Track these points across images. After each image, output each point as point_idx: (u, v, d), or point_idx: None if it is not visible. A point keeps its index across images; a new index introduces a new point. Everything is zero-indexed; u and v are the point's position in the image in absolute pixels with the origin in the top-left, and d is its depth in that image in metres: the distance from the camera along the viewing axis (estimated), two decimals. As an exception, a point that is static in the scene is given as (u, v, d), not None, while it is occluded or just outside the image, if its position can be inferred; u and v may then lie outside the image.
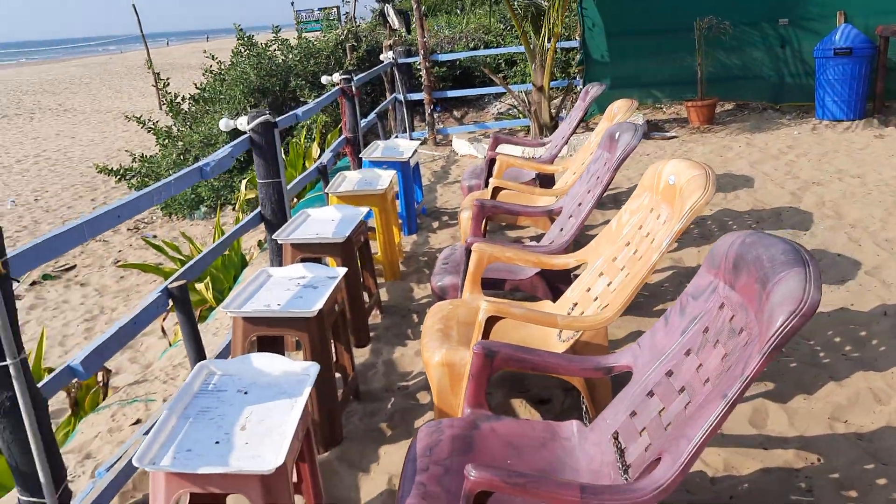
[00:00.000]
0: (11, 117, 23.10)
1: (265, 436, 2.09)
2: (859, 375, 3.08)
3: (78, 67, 46.14)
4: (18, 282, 1.91)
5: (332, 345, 3.33)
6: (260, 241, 6.89)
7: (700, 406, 1.89)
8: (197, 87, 10.44)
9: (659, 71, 9.18)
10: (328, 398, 2.95)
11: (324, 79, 7.26)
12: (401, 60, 9.55)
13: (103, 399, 3.91)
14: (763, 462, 2.62)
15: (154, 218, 10.18)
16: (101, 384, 3.97)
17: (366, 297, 4.22)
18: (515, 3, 8.45)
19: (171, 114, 10.21)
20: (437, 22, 13.86)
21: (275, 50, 10.39)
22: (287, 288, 3.09)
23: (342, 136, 6.80)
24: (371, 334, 4.05)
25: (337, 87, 6.57)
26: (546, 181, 5.44)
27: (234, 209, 9.01)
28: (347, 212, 4.11)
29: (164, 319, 5.43)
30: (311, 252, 3.76)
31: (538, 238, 5.35)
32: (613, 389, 2.76)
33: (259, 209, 4.28)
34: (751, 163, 6.75)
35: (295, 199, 7.14)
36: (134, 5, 21.04)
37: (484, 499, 1.89)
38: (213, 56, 10.66)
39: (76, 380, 3.44)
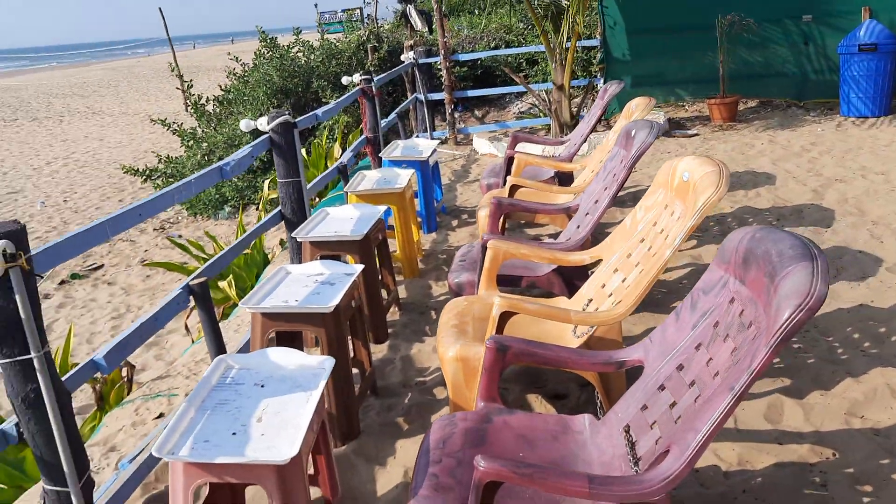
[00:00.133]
0: (42, 120, 23.51)
1: (281, 428, 2.14)
2: (877, 372, 3.07)
3: (106, 71, 46.83)
4: (42, 277, 1.97)
5: (350, 341, 3.38)
6: (282, 239, 6.97)
7: (708, 399, 1.90)
8: (221, 89, 10.57)
9: (681, 69, 9.14)
10: (345, 392, 2.99)
11: (344, 79, 7.32)
12: (421, 61, 9.59)
13: (128, 394, 4.00)
14: (777, 457, 2.62)
15: (180, 218, 10.32)
16: (125, 380, 4.05)
17: (384, 294, 4.27)
18: (536, 3, 8.46)
19: (195, 115, 10.35)
20: (458, 22, 13.90)
21: (297, 51, 10.48)
22: (305, 284, 3.14)
23: (363, 136, 6.86)
24: (389, 331, 4.09)
25: (357, 88, 6.63)
26: (565, 179, 5.46)
27: (257, 209, 9.11)
28: (366, 210, 4.16)
29: (187, 317, 5.52)
30: (330, 249, 3.81)
31: (557, 236, 5.37)
32: (628, 384, 2.78)
33: (279, 208, 4.34)
34: (773, 160, 6.70)
35: (316, 199, 7.22)
36: (160, 9, 21.32)
37: (493, 489, 1.93)
38: (236, 58, 10.78)
39: (101, 374, 3.52)
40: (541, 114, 9.67)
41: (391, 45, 11.17)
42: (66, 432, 2.18)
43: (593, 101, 9.27)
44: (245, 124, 4.33)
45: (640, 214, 3.19)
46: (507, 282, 3.68)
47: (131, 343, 2.71)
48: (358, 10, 20.20)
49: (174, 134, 10.02)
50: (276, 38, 10.42)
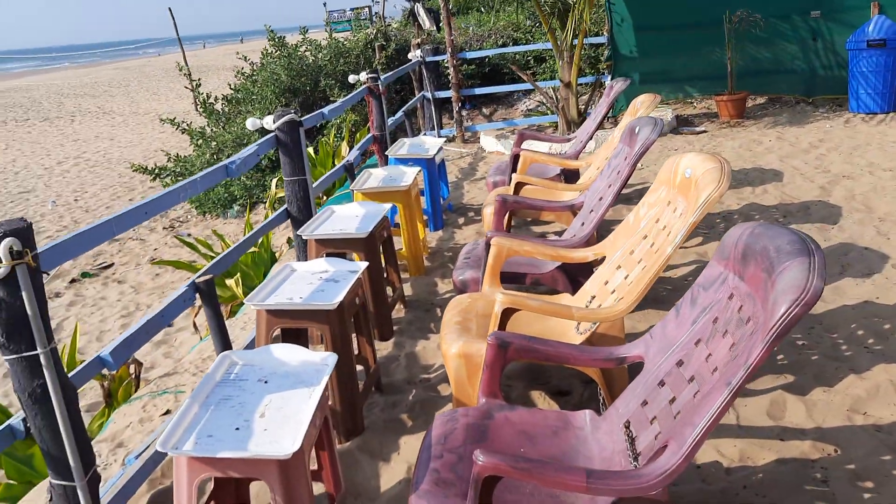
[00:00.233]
0: (53, 120, 23.67)
1: (283, 423, 2.16)
2: (880, 368, 3.06)
3: (117, 70, 47.08)
4: (48, 275, 2.00)
5: (355, 338, 3.40)
6: (289, 238, 7.01)
7: (706, 394, 1.91)
8: (230, 88, 10.63)
9: (689, 65, 9.11)
10: (349, 389, 3.02)
11: (351, 78, 7.34)
12: (428, 59, 9.61)
13: (135, 391, 4.04)
14: (779, 453, 2.62)
15: (189, 217, 10.38)
16: (133, 377, 4.09)
17: (389, 291, 4.29)
18: (543, 0, 8.46)
19: (204, 114, 10.41)
20: (466, 20, 13.90)
21: (304, 50, 10.52)
22: (309, 282, 3.17)
23: (370, 135, 6.88)
24: (394, 328, 4.11)
25: (364, 86, 6.65)
26: (571, 176, 5.46)
27: (265, 207, 9.16)
28: (371, 208, 4.18)
29: (195, 315, 5.56)
30: (335, 247, 3.84)
31: (562, 233, 5.37)
32: (630, 381, 2.79)
33: (285, 206, 4.37)
34: (780, 157, 6.68)
35: (324, 197, 7.25)
36: (170, 9, 21.41)
37: (492, 484, 1.94)
38: (245, 57, 10.83)
39: (109, 371, 3.56)
40: (548, 111, 9.67)
41: (399, 44, 11.19)
42: (72, 427, 2.21)
43: (601, 98, 9.26)
44: (251, 123, 4.36)
45: (643, 211, 3.20)
46: (511, 279, 3.69)
47: (137, 340, 2.74)
48: (366, 9, 20.25)
49: (183, 133, 10.08)
50: (283, 37, 10.45)
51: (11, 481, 3.35)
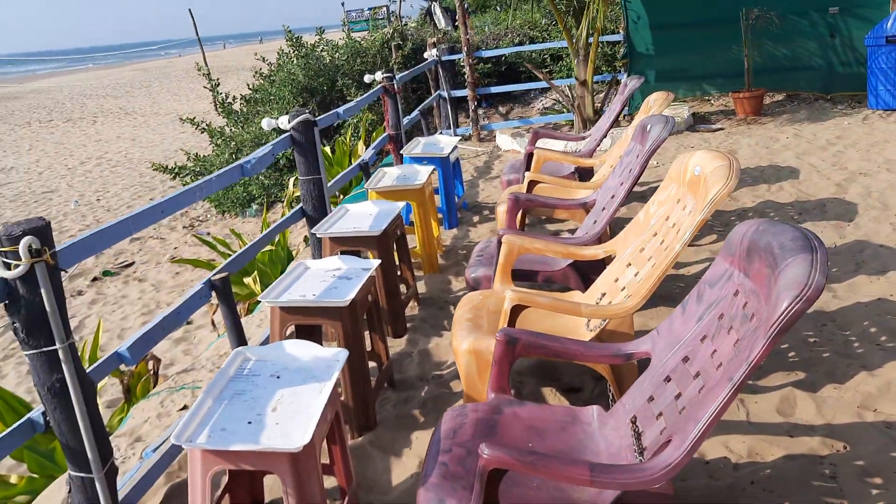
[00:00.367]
0: (76, 121, 23.99)
1: (294, 416, 2.21)
2: (892, 365, 3.06)
3: (138, 71, 47.57)
4: (66, 272, 2.06)
5: (368, 334, 3.44)
6: (306, 236, 7.07)
7: (709, 390, 1.93)
8: (249, 88, 10.72)
9: (706, 63, 9.07)
10: (361, 385, 3.06)
11: (366, 77, 7.39)
12: (444, 58, 9.64)
13: (153, 387, 4.11)
14: (787, 449, 2.63)
15: (209, 216, 10.49)
16: (151, 373, 4.17)
17: (403, 289, 4.33)
18: (558, -2, 8.46)
19: (223, 114, 10.51)
20: (483, 19, 13.92)
21: (321, 50, 10.59)
22: (323, 279, 3.21)
23: (385, 134, 6.93)
24: (408, 325, 4.15)
25: (379, 86, 6.70)
26: (585, 175, 5.47)
27: (283, 206, 9.24)
28: (384, 207, 4.22)
29: (213, 313, 5.64)
30: (349, 245, 3.88)
31: (576, 231, 5.38)
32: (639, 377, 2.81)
33: (301, 205, 4.42)
34: (797, 154, 6.64)
35: (340, 196, 7.31)
36: (190, 10, 21.61)
37: (498, 477, 1.97)
38: (263, 58, 10.92)
39: (126, 366, 3.63)
40: (564, 109, 9.67)
41: (416, 43, 11.23)
42: (90, 420, 2.27)
43: (616, 96, 9.24)
44: (266, 123, 4.42)
45: (653, 209, 3.21)
46: (523, 276, 3.72)
47: (154, 336, 2.80)
48: (384, 8, 20.31)
49: (202, 132, 10.19)
50: (300, 37, 10.52)
51: (34, 475, 3.43)
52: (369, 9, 22.95)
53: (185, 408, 3.59)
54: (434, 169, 5.19)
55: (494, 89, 9.81)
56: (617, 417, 2.36)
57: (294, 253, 6.30)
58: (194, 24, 21.27)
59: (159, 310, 7.19)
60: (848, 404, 2.85)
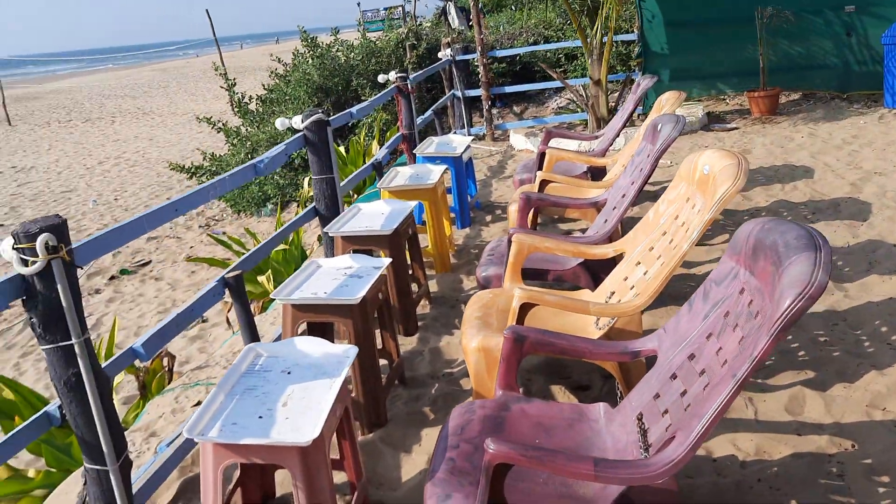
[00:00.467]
0: (94, 121, 24.23)
1: (304, 411, 2.24)
2: (903, 365, 3.05)
3: (156, 72, 47.95)
4: (82, 269, 2.11)
5: (379, 332, 3.48)
6: (320, 235, 7.12)
7: (713, 386, 1.95)
8: (265, 88, 10.80)
9: (720, 62, 9.04)
10: (372, 382, 3.09)
11: (380, 77, 7.43)
12: (458, 57, 9.67)
13: (168, 383, 4.17)
14: (795, 447, 2.64)
15: (224, 216, 10.58)
16: (166, 370, 4.23)
17: (415, 287, 4.36)
18: (572, -2, 8.47)
19: (239, 114, 10.60)
20: (497, 19, 13.93)
21: (336, 50, 10.65)
22: (334, 277, 3.25)
23: (399, 133, 6.96)
24: (419, 324, 4.18)
25: (393, 85, 6.74)
26: (598, 174, 5.48)
27: (298, 206, 9.30)
28: (396, 206, 4.25)
29: (228, 311, 5.70)
30: (361, 244, 3.92)
31: (587, 230, 5.39)
32: (647, 375, 2.82)
33: (314, 204, 4.47)
34: (812, 153, 6.61)
35: (354, 195, 7.35)
36: (207, 11, 21.78)
37: (503, 472, 2.00)
38: (278, 59, 11.00)
39: (141, 362, 3.68)
40: (578, 109, 9.67)
41: (430, 43, 11.26)
42: (105, 414, 2.31)
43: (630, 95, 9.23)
44: (280, 123, 4.46)
45: (662, 208, 3.22)
46: (533, 275, 3.74)
47: (168, 332, 2.85)
48: (399, 8, 20.37)
49: (219, 132, 10.28)
50: (315, 37, 10.59)
51: (51, 469, 3.49)
52: (385, 9, 23.03)
53: (198, 404, 3.65)
54: (447, 168, 5.22)
55: (509, 89, 9.84)
56: (623, 414, 2.38)
57: (308, 252, 6.36)
58: (212, 24, 21.44)
59: (175, 308, 7.27)
60: (857, 403, 2.85)
